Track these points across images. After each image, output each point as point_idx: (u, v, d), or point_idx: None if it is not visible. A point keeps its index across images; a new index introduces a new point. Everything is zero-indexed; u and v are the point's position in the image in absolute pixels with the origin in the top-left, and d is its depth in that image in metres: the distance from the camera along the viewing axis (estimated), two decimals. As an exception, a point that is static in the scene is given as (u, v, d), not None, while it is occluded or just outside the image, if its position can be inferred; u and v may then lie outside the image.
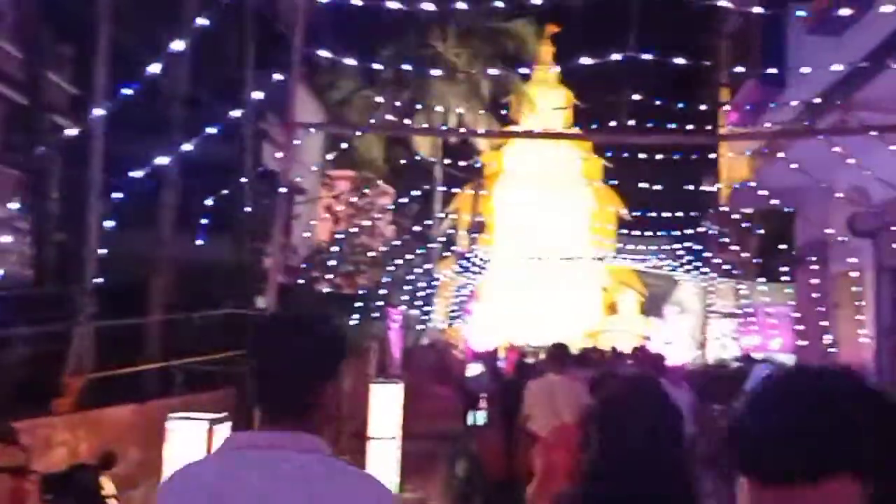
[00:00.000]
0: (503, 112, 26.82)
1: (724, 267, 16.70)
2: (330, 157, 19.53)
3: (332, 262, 19.92)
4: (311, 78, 22.55)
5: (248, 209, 12.91)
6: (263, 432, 1.72)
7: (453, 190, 25.32)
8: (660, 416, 2.09)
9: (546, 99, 31.50)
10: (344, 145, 15.08)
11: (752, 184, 11.39)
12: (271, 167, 16.68)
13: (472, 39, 24.75)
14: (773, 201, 11.95)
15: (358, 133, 19.70)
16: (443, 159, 24.96)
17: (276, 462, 1.62)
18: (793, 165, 8.24)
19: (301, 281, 13.07)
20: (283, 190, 5.61)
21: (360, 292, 13.12)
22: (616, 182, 27.53)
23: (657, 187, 16.88)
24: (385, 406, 7.45)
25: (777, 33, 9.64)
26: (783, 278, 13.91)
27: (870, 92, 7.71)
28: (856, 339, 9.30)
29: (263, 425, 1.74)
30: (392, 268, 16.01)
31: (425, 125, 25.48)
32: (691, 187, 15.01)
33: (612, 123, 12.29)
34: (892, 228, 8.60)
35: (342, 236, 16.44)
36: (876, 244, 8.94)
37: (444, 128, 23.98)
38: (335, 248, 19.64)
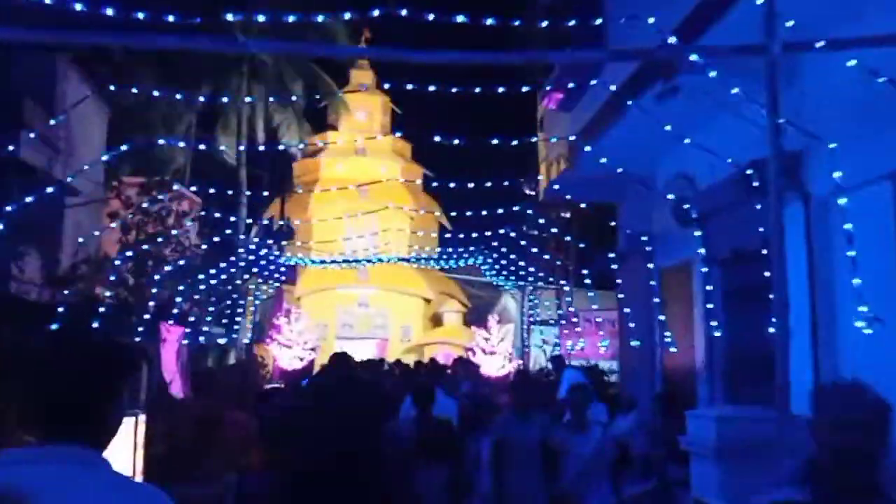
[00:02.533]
0: (320, 105, 25.18)
1: (546, 269, 15.94)
2: (106, 157, 17.20)
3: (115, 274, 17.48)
4: (99, 74, 19.90)
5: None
6: (39, 447, 1.67)
7: (263, 196, 23.36)
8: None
9: (364, 103, 30.25)
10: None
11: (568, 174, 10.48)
12: (28, 159, 14.15)
13: (277, 34, 22.92)
14: (589, 197, 11.20)
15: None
16: (248, 164, 22.92)
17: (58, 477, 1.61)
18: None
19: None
20: None
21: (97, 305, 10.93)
22: (436, 190, 26.60)
23: (477, 183, 16.00)
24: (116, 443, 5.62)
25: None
26: (609, 279, 13.16)
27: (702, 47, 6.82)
28: (688, 338, 8.49)
29: (40, 441, 1.68)
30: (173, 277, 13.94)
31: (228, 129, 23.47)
32: (510, 182, 14.05)
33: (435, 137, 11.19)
34: (718, 215, 7.83)
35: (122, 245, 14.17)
36: (704, 234, 8.16)
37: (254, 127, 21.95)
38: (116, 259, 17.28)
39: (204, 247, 18.61)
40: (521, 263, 15.51)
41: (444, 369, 11.45)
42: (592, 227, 13.94)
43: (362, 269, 28.58)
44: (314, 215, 24.81)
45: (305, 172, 29.54)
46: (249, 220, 21.91)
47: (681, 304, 8.84)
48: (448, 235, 19.94)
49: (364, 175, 27.18)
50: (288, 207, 24.90)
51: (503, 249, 14.85)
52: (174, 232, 18.75)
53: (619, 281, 11.23)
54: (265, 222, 20.34)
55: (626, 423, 7.98)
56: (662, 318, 9.03)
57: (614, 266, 11.39)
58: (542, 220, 15.44)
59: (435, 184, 25.54)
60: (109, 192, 18.92)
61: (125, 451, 5.72)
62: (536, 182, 13.68)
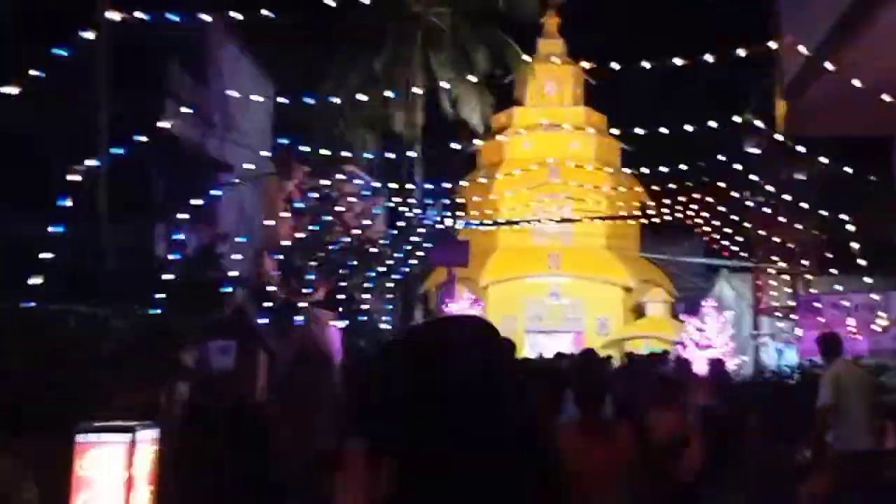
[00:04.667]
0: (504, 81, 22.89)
1: (778, 245, 12.63)
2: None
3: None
4: (262, 49, 18.81)
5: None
6: None
7: (442, 177, 21.50)
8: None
9: (553, 74, 27.67)
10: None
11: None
12: (176, 132, 12.93)
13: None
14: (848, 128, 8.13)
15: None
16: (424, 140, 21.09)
17: None
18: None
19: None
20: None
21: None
22: (637, 168, 23.62)
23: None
24: (102, 485, 3.57)
25: None
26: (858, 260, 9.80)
27: None
28: None
29: None
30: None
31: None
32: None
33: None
34: None
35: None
36: None
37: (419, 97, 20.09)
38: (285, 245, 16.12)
39: (378, 230, 17.10)
40: (747, 227, 12.35)
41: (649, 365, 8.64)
42: (848, 184, 10.49)
43: (553, 256, 26.05)
44: (499, 196, 22.64)
45: (490, 152, 27.48)
46: (428, 202, 20.09)
47: None
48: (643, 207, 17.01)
49: (554, 152, 24.62)
50: (471, 188, 22.93)
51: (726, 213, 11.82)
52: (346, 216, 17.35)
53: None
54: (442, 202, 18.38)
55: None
56: None
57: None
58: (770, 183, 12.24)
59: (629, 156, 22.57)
60: (278, 174, 17.84)
61: (115, 483, 3.63)
62: (770, 121, 10.40)
